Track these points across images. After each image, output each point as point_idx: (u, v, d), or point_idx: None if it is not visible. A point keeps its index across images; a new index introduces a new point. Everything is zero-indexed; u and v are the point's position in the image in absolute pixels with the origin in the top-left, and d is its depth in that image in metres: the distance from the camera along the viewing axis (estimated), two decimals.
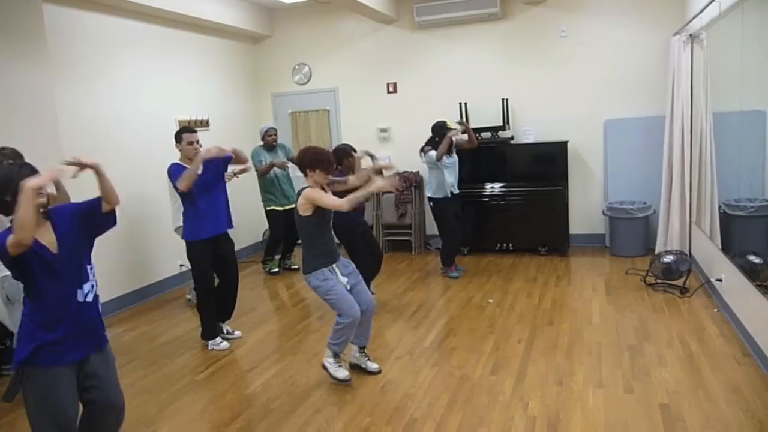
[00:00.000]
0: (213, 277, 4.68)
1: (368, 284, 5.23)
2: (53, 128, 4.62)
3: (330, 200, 3.64)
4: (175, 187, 4.37)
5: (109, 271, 5.53)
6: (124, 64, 5.82)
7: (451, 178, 5.99)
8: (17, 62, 4.35)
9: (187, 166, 4.37)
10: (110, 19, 5.67)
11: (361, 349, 3.99)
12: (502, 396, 3.51)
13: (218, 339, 4.62)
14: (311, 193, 3.63)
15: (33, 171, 2.43)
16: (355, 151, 5.11)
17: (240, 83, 7.80)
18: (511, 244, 6.96)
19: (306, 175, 3.74)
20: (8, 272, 3.45)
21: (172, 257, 6.00)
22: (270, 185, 6.54)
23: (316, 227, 3.73)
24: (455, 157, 6.08)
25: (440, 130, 5.97)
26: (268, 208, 6.62)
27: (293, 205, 3.87)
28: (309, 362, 4.23)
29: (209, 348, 4.57)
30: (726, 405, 3.23)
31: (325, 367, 3.83)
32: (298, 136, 8.08)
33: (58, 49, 5.06)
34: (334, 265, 3.79)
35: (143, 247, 6.02)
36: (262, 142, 6.55)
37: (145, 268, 6.03)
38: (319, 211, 3.67)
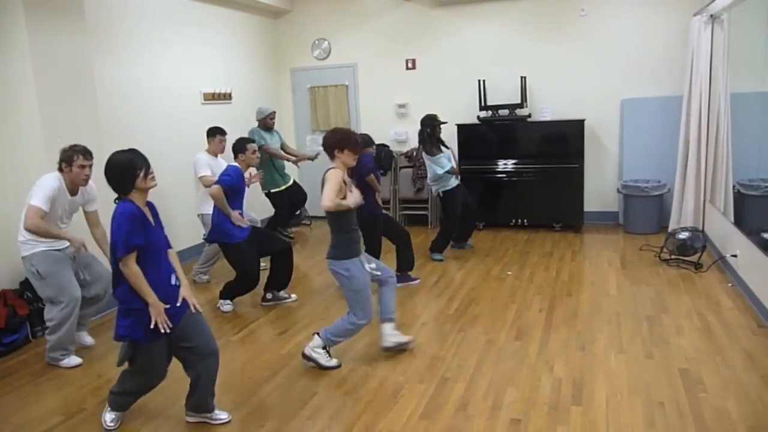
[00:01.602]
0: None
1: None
2: (91, 97, 4.73)
3: (325, 192, 3.51)
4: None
5: None
6: (153, 36, 5.92)
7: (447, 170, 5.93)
8: (57, 32, 4.44)
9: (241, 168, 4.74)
10: None
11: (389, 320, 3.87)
12: (527, 359, 3.69)
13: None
14: (329, 176, 3.55)
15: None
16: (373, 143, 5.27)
17: (260, 58, 7.88)
18: (526, 220, 7.11)
19: (333, 157, 3.64)
20: (37, 250, 3.81)
21: (192, 230, 6.10)
22: (271, 168, 6.55)
23: (338, 214, 3.59)
24: (448, 152, 6.04)
25: (431, 121, 5.92)
26: (273, 191, 6.65)
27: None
28: None
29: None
30: (743, 371, 3.40)
31: (310, 357, 3.70)
32: (317, 111, 8.18)
33: (94, 19, 5.15)
34: (361, 257, 3.71)
35: (164, 216, 6.13)
36: (257, 123, 6.56)
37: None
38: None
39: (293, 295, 5.06)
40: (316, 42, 8.09)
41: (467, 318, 4.44)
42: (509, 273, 5.49)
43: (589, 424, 2.93)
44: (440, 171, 5.87)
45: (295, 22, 8.14)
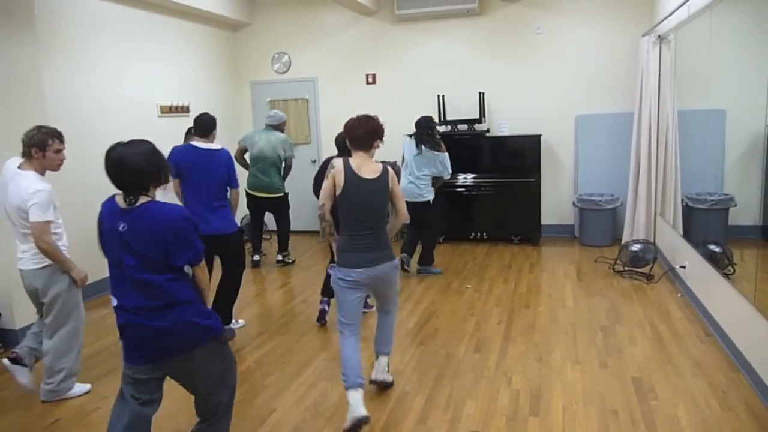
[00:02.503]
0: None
1: None
2: (41, 108, 4.60)
3: (403, 204, 3.31)
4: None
5: (90, 255, 5.54)
6: (108, 47, 5.81)
7: None
8: (5, 42, 4.33)
9: None
10: (96, 2, 5.66)
11: None
12: (486, 372, 3.73)
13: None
14: (397, 178, 3.29)
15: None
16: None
17: (219, 71, 7.81)
18: (485, 233, 7.21)
19: (371, 147, 3.22)
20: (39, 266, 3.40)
21: None
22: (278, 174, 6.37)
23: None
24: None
25: (427, 123, 5.73)
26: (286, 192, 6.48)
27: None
28: (298, 342, 4.36)
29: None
30: (692, 378, 3.51)
31: (386, 381, 3.53)
32: None
33: (48, 29, 5.03)
34: None
35: None
36: (269, 127, 6.34)
37: None
38: None
39: (241, 320, 4.86)
40: (276, 55, 8.08)
41: (427, 331, 4.46)
42: (469, 286, 5.55)
43: None
44: (449, 170, 5.71)
45: (255, 36, 8.12)
